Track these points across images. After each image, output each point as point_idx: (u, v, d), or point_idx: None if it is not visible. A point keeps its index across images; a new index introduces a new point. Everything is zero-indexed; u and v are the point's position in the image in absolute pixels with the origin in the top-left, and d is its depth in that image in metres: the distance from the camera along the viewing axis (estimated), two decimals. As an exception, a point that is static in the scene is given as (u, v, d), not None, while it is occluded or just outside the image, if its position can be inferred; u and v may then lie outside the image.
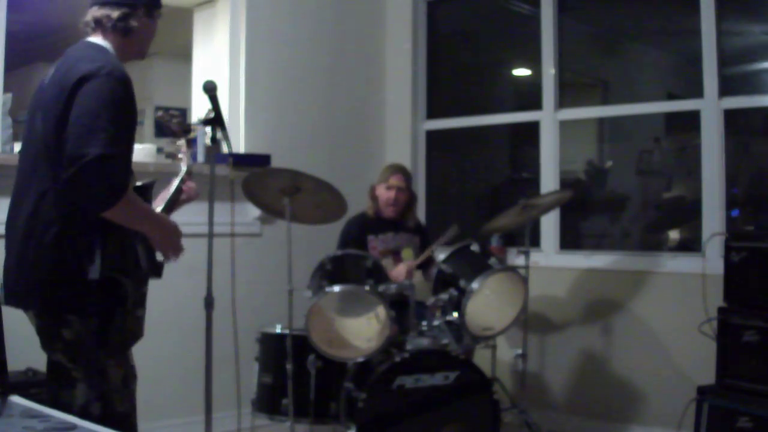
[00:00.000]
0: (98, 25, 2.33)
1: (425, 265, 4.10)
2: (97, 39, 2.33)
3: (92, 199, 2.08)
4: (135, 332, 2.32)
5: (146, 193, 2.38)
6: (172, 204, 2.50)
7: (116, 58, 2.29)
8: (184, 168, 2.56)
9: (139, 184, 2.35)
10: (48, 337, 2.25)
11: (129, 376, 2.32)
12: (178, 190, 2.51)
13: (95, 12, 2.34)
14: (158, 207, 2.45)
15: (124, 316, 2.25)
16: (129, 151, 2.23)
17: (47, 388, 2.33)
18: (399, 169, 4.07)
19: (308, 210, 3.50)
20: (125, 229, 2.20)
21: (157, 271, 2.38)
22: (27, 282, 2.21)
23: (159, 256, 2.37)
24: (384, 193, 4.00)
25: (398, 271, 3.84)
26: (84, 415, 2.07)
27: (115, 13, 2.32)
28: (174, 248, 2.35)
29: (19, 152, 2.35)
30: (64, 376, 2.23)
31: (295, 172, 3.30)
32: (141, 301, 2.33)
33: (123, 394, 2.28)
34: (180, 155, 2.59)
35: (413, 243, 4.09)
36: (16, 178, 2.33)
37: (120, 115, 2.14)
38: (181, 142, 2.58)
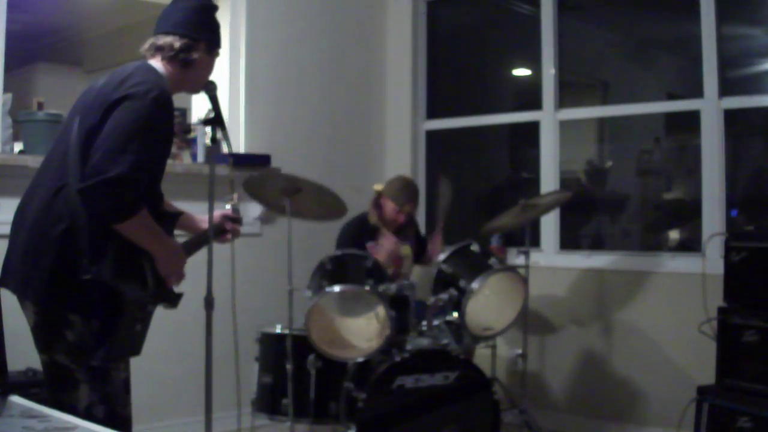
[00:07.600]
0: (159, 51, 2.36)
1: (419, 252, 4.13)
2: (155, 63, 2.36)
3: (101, 212, 2.11)
4: (130, 346, 2.29)
5: (169, 221, 2.41)
6: (194, 245, 2.53)
7: (168, 84, 2.31)
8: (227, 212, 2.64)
9: (167, 210, 2.39)
10: (49, 337, 2.24)
11: (129, 382, 2.31)
12: (206, 234, 2.52)
13: (159, 40, 2.36)
14: (181, 239, 2.49)
15: (122, 326, 2.24)
16: (154, 176, 2.26)
17: (47, 389, 2.32)
18: (413, 196, 3.97)
19: (311, 206, 3.50)
20: (134, 244, 2.21)
21: (171, 298, 2.40)
22: (28, 269, 2.21)
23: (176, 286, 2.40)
24: (393, 214, 3.94)
25: (387, 241, 3.84)
26: (88, 417, 2.06)
27: (178, 43, 2.34)
28: (175, 273, 2.37)
29: (51, 147, 2.36)
30: (66, 377, 2.22)
31: (295, 178, 3.30)
32: (143, 318, 2.30)
33: (125, 399, 2.28)
34: (228, 205, 2.66)
35: (411, 244, 4.10)
36: (38, 168, 2.35)
37: (154, 141, 2.18)
38: (234, 198, 2.64)
